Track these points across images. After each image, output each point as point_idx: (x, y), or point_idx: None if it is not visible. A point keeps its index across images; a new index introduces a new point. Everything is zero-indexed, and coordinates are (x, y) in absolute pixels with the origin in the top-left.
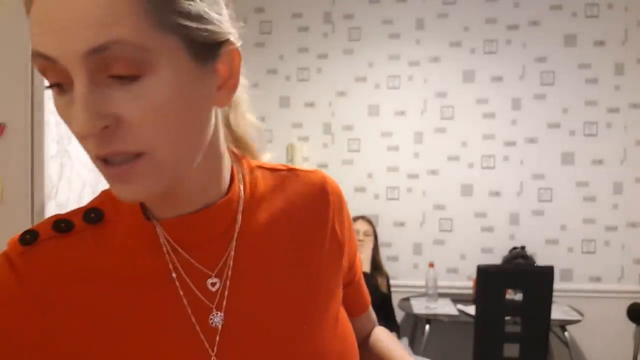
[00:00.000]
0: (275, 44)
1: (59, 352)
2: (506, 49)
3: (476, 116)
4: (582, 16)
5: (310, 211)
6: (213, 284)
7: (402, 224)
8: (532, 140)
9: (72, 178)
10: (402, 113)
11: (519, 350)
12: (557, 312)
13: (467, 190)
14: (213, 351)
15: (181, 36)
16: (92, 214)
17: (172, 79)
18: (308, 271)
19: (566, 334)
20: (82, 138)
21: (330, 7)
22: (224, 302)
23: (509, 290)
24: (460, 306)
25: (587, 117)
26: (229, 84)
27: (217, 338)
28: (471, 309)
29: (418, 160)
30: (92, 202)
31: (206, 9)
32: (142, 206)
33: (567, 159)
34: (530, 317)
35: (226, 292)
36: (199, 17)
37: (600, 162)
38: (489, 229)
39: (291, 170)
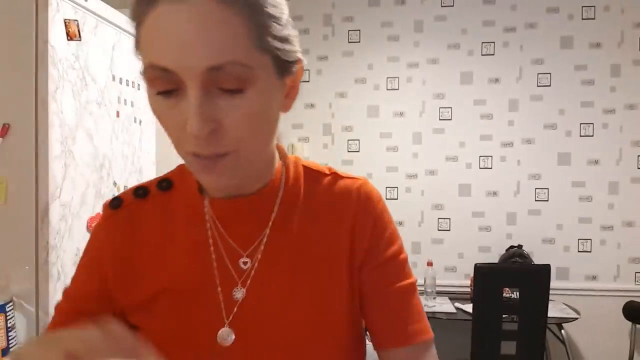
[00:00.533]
0: None
1: (123, 287)
2: (503, 51)
3: (474, 117)
4: (578, 18)
5: (337, 215)
6: (245, 263)
7: (401, 223)
8: (529, 141)
9: (75, 178)
10: (401, 114)
11: (516, 347)
12: (554, 311)
13: (465, 190)
14: (228, 320)
15: (272, 56)
16: (164, 183)
17: (265, 91)
18: (326, 269)
19: (563, 332)
20: (192, 138)
21: (330, 10)
22: (249, 280)
23: (506, 289)
24: (458, 304)
25: (583, 118)
26: (292, 94)
27: (235, 310)
28: (469, 307)
29: (417, 161)
30: (167, 173)
31: (290, 32)
32: (199, 182)
33: (564, 159)
34: (527, 315)
35: (252, 272)
36: (286, 39)
37: (596, 162)
38: (486, 228)
39: (334, 174)
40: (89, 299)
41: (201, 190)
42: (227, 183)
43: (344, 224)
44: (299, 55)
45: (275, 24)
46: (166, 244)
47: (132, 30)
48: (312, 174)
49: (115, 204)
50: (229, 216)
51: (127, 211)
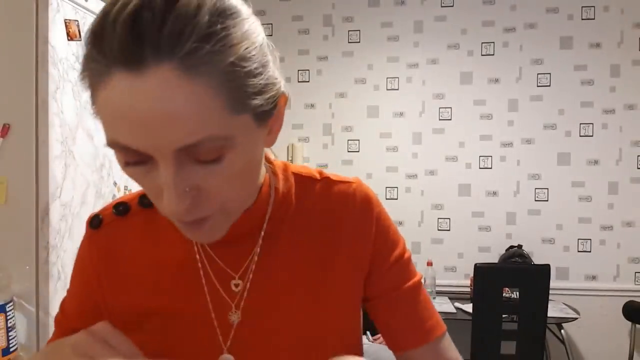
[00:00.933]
0: (276, 46)
1: (107, 308)
2: (503, 51)
3: (474, 117)
4: (578, 18)
5: (333, 222)
6: (236, 285)
7: (401, 223)
8: (528, 141)
9: (76, 178)
10: (401, 114)
11: (516, 347)
12: (554, 310)
13: (464, 190)
14: (226, 345)
15: (251, 112)
16: (146, 199)
17: (247, 148)
18: (325, 280)
19: (562, 331)
20: (169, 212)
21: (330, 10)
22: (242, 302)
23: (506, 289)
24: (458, 304)
25: (583, 118)
26: (277, 127)
27: (232, 334)
28: (469, 307)
29: (416, 161)
30: None
31: (269, 75)
32: None
33: (563, 159)
34: (527, 315)
35: (245, 293)
36: (265, 89)
37: (595, 162)
38: (486, 228)
39: (325, 179)
40: (83, 316)
41: None
42: (219, 236)
43: (343, 232)
44: (281, 90)
45: (250, 80)
46: (152, 263)
47: (81, 82)
48: (304, 181)
49: (94, 223)
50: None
51: (107, 230)
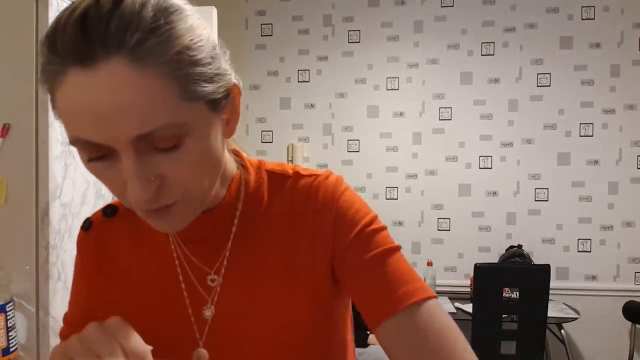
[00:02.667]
0: (276, 46)
1: (97, 307)
2: (503, 51)
3: (474, 117)
4: (578, 18)
5: (297, 216)
6: (212, 280)
7: (400, 223)
8: (528, 141)
9: (76, 178)
10: (401, 114)
11: (516, 347)
12: (554, 310)
13: (464, 190)
14: (202, 340)
15: (204, 99)
16: None
17: (204, 136)
18: (293, 274)
19: (562, 331)
20: (134, 202)
21: (330, 10)
22: (215, 297)
23: (506, 289)
24: (458, 304)
25: (583, 118)
26: (234, 118)
27: (207, 329)
28: (469, 307)
29: (416, 161)
30: None
31: (220, 66)
32: None
33: (563, 159)
34: (526, 315)
35: (218, 288)
36: (215, 78)
37: (595, 162)
38: (486, 228)
39: (296, 174)
40: (84, 321)
41: None
42: (182, 225)
43: (307, 224)
44: (232, 81)
45: (198, 68)
46: (134, 263)
47: (41, 85)
48: (276, 178)
49: (85, 225)
50: (189, 234)
51: (96, 232)
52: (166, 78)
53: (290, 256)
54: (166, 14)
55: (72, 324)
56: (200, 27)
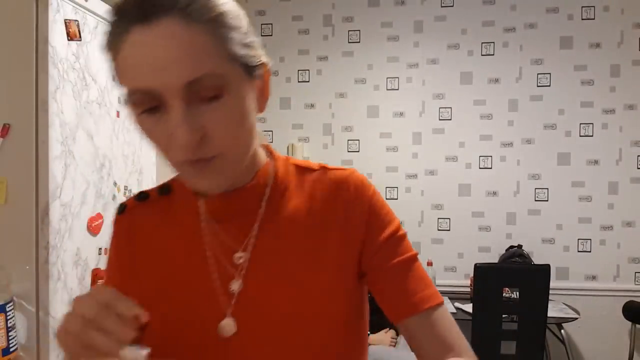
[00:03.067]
0: (276, 46)
1: (131, 282)
2: (503, 51)
3: (474, 117)
4: (578, 18)
5: (326, 203)
6: (239, 258)
7: (401, 223)
8: (528, 141)
9: (76, 178)
10: (401, 114)
11: (516, 347)
12: (554, 310)
13: (464, 190)
14: (228, 312)
15: (240, 63)
16: (164, 188)
17: (240, 95)
18: (320, 256)
19: (562, 331)
20: (180, 148)
21: (330, 10)
22: (243, 272)
23: (506, 289)
24: (458, 304)
25: (583, 118)
26: (265, 95)
27: (233, 302)
28: (469, 307)
29: (416, 161)
30: (168, 180)
31: (251, 39)
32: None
33: (563, 159)
34: (526, 315)
35: (246, 264)
36: (248, 46)
37: (595, 162)
38: (486, 228)
39: (323, 168)
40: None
41: (196, 191)
42: (219, 184)
43: (338, 213)
44: (263, 58)
45: (237, 34)
46: (164, 242)
47: (109, 62)
48: (302, 170)
49: (120, 209)
50: (220, 212)
51: (130, 215)
52: (210, 35)
53: (317, 240)
54: None
55: None
56: (236, 4)
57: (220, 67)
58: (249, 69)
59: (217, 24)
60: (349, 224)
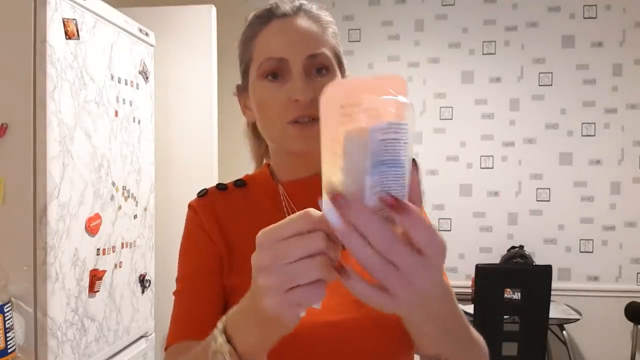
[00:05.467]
0: None
1: (223, 253)
2: (505, 50)
3: (475, 117)
4: (580, 17)
5: None
6: None
7: None
8: (530, 141)
9: (74, 178)
10: None
11: (518, 349)
12: (555, 311)
13: (465, 190)
14: None
15: (335, 53)
16: (239, 182)
17: (337, 76)
18: None
19: (564, 333)
20: (296, 106)
21: (330, 9)
22: None
23: (508, 290)
24: (459, 305)
25: (585, 118)
26: None
27: None
28: (470, 308)
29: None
30: (241, 177)
31: (338, 43)
32: (272, 173)
33: (565, 159)
34: (528, 316)
35: None
36: (338, 45)
37: (598, 162)
38: (487, 229)
39: None
40: (205, 274)
41: (274, 178)
42: (314, 145)
43: None
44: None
45: (334, 37)
46: (249, 221)
47: (242, 46)
48: None
49: (201, 193)
50: (300, 193)
51: (211, 198)
52: (323, 29)
53: None
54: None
55: (192, 275)
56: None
57: (328, 50)
58: (340, 62)
59: (326, 24)
60: None
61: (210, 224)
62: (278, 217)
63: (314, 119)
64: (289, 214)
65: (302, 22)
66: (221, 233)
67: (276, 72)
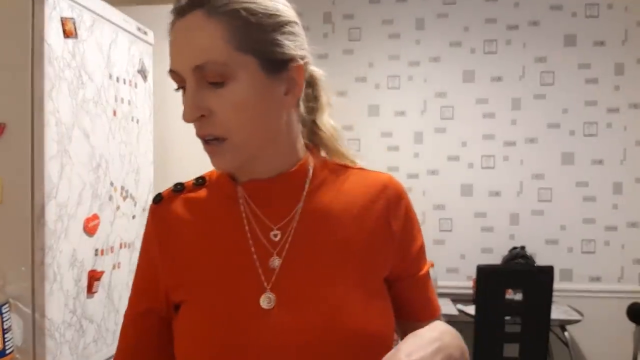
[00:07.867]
0: None
1: (168, 268)
2: (506, 49)
3: (476, 116)
4: (582, 16)
5: (366, 201)
6: (275, 235)
7: None
8: (532, 140)
9: (72, 178)
10: (402, 113)
11: (519, 350)
12: (557, 312)
13: (467, 190)
14: (268, 285)
15: (255, 56)
16: (199, 179)
17: (247, 85)
18: (354, 248)
19: (566, 333)
20: (186, 122)
21: (331, 7)
22: (284, 251)
23: (509, 290)
24: (460, 306)
25: (587, 117)
26: (294, 91)
27: (274, 277)
28: (471, 309)
29: (418, 160)
30: (203, 174)
31: (278, 37)
32: (231, 174)
33: (567, 159)
34: (530, 317)
35: (287, 245)
36: (270, 43)
37: (600, 162)
38: (488, 229)
39: (361, 169)
40: (151, 294)
41: (233, 177)
42: (229, 165)
43: (377, 212)
44: (293, 54)
45: (256, 30)
46: (205, 226)
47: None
48: (340, 168)
49: (156, 199)
50: (260, 195)
51: (166, 204)
52: (224, 26)
53: (352, 229)
54: None
55: (136, 302)
56: (271, 3)
57: (224, 57)
58: (268, 64)
59: (232, 17)
60: (390, 224)
61: (161, 237)
62: (235, 222)
63: (217, 138)
64: (247, 219)
65: (192, 22)
66: (171, 244)
67: (180, 85)
